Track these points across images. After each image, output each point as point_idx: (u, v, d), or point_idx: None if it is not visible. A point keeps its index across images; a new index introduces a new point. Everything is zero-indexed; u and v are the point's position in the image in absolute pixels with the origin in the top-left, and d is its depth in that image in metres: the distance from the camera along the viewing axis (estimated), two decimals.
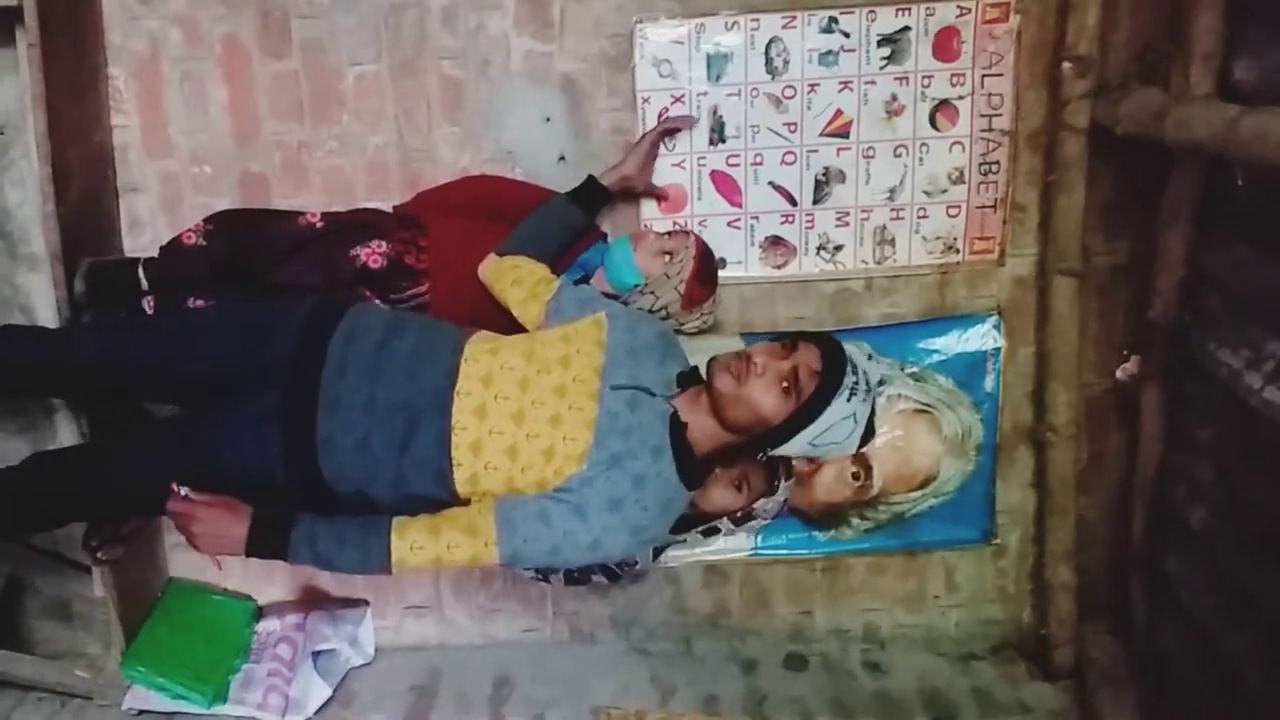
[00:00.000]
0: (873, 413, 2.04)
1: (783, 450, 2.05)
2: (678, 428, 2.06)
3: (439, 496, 2.04)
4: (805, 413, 1.95)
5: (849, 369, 1.97)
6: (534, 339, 2.20)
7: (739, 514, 2.39)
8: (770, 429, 1.99)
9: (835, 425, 1.97)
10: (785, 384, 1.95)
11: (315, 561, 2.01)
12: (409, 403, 2.04)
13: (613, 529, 1.96)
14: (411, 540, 1.98)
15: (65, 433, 2.81)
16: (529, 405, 2.02)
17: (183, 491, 1.98)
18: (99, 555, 2.63)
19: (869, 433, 2.05)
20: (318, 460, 2.03)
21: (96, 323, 2.63)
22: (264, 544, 2.00)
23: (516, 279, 2.38)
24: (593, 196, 2.62)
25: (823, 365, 1.96)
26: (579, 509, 1.95)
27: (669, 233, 2.62)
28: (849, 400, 1.95)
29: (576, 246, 2.63)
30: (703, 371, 2.09)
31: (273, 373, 2.10)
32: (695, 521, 2.45)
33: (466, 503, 2.05)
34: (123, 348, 2.27)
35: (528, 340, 2.19)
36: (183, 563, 3.08)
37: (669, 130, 2.75)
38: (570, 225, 2.56)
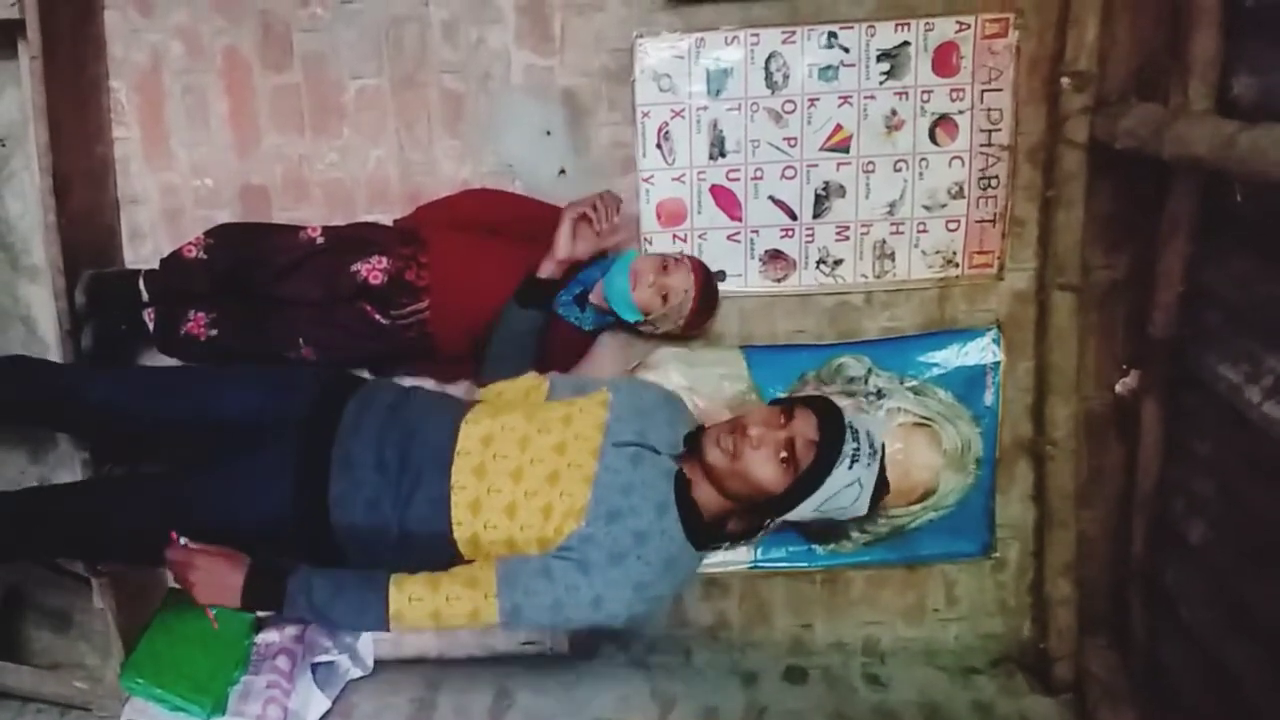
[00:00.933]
0: (882, 470, 1.97)
1: (789, 517, 1.98)
2: (683, 486, 2.01)
3: (443, 558, 2.02)
4: (805, 484, 1.89)
5: (848, 436, 1.90)
6: (537, 404, 2.19)
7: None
8: (770, 500, 1.94)
9: (840, 493, 1.90)
10: (783, 455, 1.90)
11: (311, 612, 1.97)
12: (413, 463, 2.03)
13: (615, 584, 1.90)
14: (410, 592, 1.94)
15: (65, 448, 2.81)
16: (527, 463, 2.00)
17: (182, 541, 1.97)
18: (98, 567, 2.63)
19: (881, 491, 1.98)
20: (329, 515, 2.02)
21: (112, 371, 2.64)
22: (260, 594, 1.96)
23: (508, 401, 2.33)
24: (540, 291, 2.46)
25: (820, 434, 1.90)
26: (581, 564, 1.90)
27: (667, 264, 2.61)
28: (850, 468, 1.88)
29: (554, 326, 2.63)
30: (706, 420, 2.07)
31: (289, 427, 2.11)
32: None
33: (464, 558, 2.03)
34: (137, 395, 2.29)
35: (531, 405, 2.18)
36: None
37: (582, 215, 2.48)
38: (532, 329, 2.45)
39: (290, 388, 2.21)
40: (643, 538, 1.92)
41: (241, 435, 2.14)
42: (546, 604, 1.92)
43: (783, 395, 2.80)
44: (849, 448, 1.89)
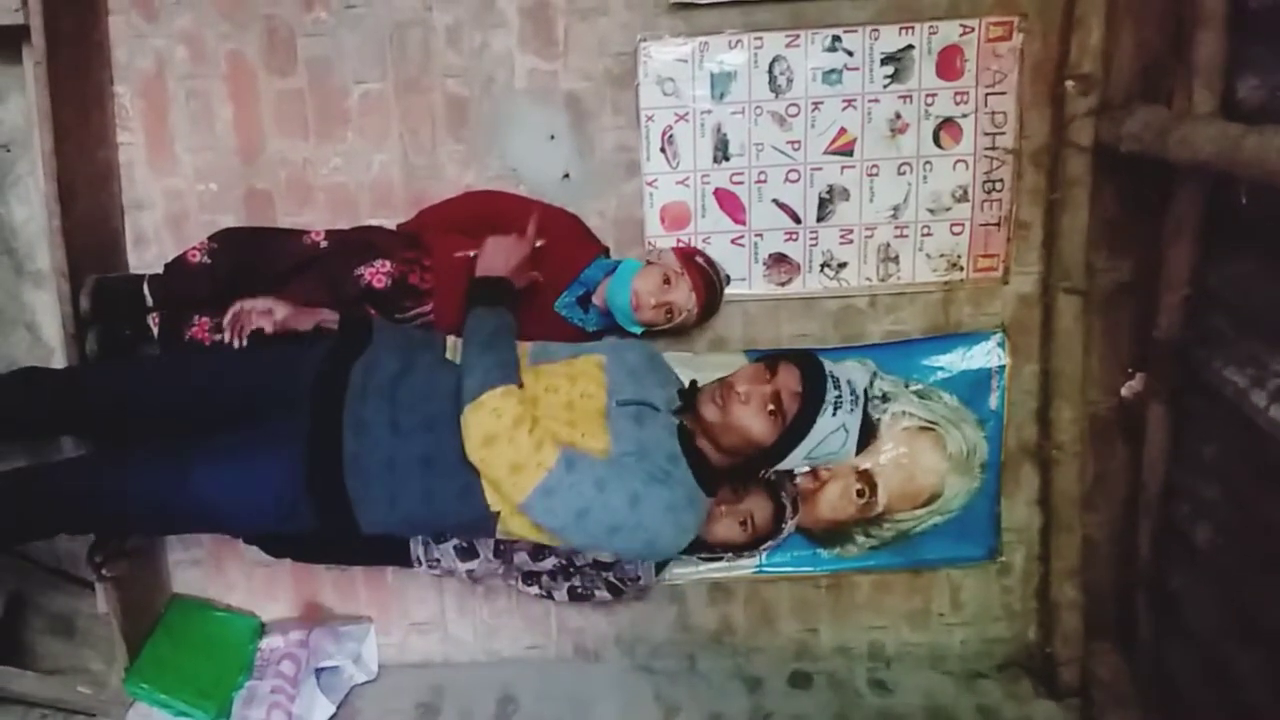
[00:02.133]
0: (866, 417, 2.06)
1: (781, 466, 2.08)
2: (687, 436, 2.08)
3: (468, 514, 2.03)
4: (793, 433, 1.99)
5: (829, 385, 1.99)
6: (537, 367, 2.19)
7: (744, 550, 2.40)
8: (763, 450, 2.03)
9: (826, 439, 1.99)
10: (770, 408, 1.99)
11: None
12: (428, 421, 2.03)
13: (653, 497, 1.92)
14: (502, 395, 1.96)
15: (68, 447, 2.81)
16: (541, 417, 2.01)
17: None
18: (103, 571, 2.63)
19: (866, 436, 2.08)
20: (344, 481, 2.01)
21: (112, 365, 2.63)
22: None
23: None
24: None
25: (803, 385, 2.00)
26: (632, 496, 1.92)
27: (669, 278, 2.60)
28: (835, 414, 1.98)
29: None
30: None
31: (295, 397, 2.10)
32: (698, 548, 2.46)
33: (496, 515, 2.02)
34: (141, 380, 2.30)
35: (531, 368, 2.18)
36: (186, 579, 3.09)
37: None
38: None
39: (293, 359, 2.21)
40: (667, 475, 1.97)
41: (247, 410, 2.14)
42: (579, 505, 1.91)
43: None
44: (831, 395, 1.98)
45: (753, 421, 1.99)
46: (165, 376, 2.31)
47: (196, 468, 2.06)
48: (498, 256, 2.31)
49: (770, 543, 2.42)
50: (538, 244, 2.43)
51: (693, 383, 2.22)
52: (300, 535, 2.19)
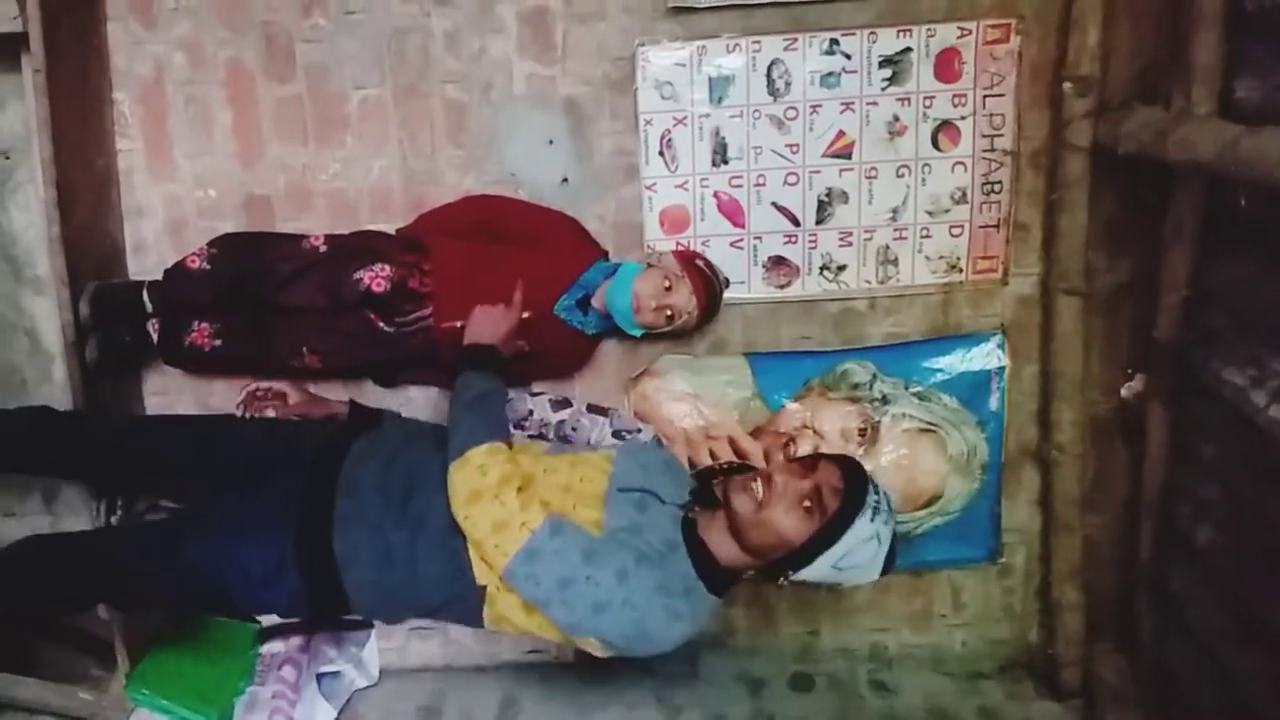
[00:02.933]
0: (895, 537, 1.97)
1: (805, 574, 1.93)
2: (690, 529, 2.00)
3: (456, 571, 1.97)
4: (829, 532, 1.87)
5: (871, 487, 1.91)
6: (538, 458, 2.13)
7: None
8: (792, 550, 1.90)
9: (858, 547, 1.88)
10: (808, 503, 1.88)
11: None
12: (420, 507, 2.01)
13: (643, 575, 1.85)
14: (486, 456, 1.93)
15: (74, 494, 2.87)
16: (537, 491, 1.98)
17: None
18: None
19: (891, 558, 1.98)
20: (332, 539, 2.00)
21: (124, 417, 2.70)
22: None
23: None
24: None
25: (844, 483, 1.90)
26: (620, 571, 1.84)
27: (669, 281, 2.61)
28: (872, 520, 1.88)
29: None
30: (717, 493, 2.01)
31: (293, 470, 2.11)
32: None
33: (483, 591, 1.97)
34: (149, 438, 2.34)
35: (533, 453, 2.16)
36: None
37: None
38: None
39: (299, 432, 2.25)
40: (662, 559, 1.89)
41: (246, 477, 2.14)
42: (560, 576, 1.84)
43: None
44: (872, 499, 1.89)
45: (787, 516, 1.87)
46: (169, 430, 2.34)
47: (190, 529, 2.08)
48: (485, 325, 2.29)
49: None
50: (524, 315, 2.40)
51: (706, 487, 2.11)
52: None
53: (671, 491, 2.06)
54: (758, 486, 1.92)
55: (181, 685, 2.82)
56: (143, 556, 2.10)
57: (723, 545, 1.97)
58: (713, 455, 2.72)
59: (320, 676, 2.93)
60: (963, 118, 2.81)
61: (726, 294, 2.81)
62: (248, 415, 2.48)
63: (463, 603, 1.99)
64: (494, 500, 1.88)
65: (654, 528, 1.94)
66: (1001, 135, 2.82)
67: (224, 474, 2.18)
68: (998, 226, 2.88)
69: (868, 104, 2.80)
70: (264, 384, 2.52)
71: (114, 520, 2.68)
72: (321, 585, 2.01)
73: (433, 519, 1.98)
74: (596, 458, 2.12)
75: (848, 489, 1.89)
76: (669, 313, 2.61)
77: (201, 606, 2.26)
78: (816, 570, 1.91)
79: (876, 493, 1.91)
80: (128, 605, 2.60)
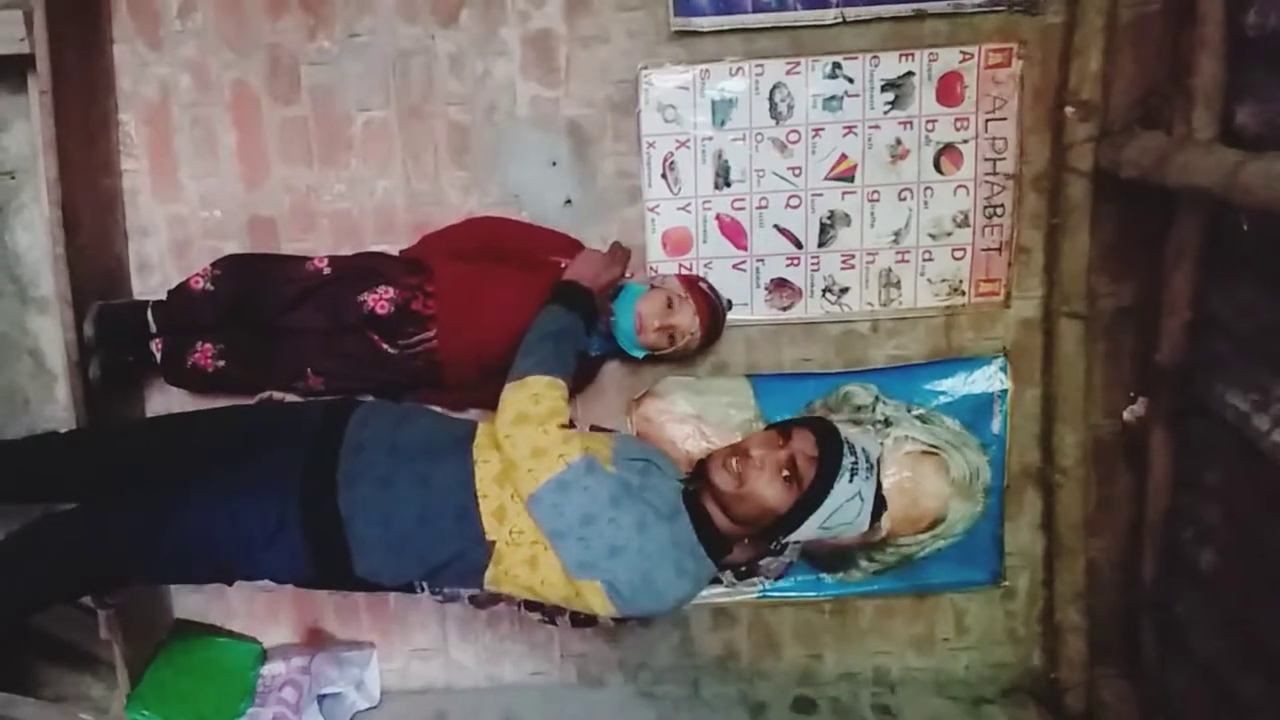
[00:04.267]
0: (879, 487, 2.01)
1: (795, 537, 2.00)
2: (694, 502, 2.03)
3: (465, 533, 1.98)
4: (810, 499, 1.93)
5: (846, 449, 1.95)
6: None
7: (742, 568, 2.38)
8: (777, 518, 1.96)
9: (842, 507, 1.94)
10: (786, 473, 1.94)
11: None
12: (431, 448, 2.04)
13: (661, 529, 1.92)
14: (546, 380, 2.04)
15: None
16: None
17: None
18: (105, 599, 2.63)
19: (879, 507, 2.02)
20: (336, 494, 2.00)
21: (122, 433, 2.63)
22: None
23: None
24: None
25: (819, 450, 1.95)
26: (640, 521, 1.92)
27: (671, 302, 2.62)
28: (851, 480, 1.93)
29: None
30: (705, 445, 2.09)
31: (291, 446, 2.10)
32: None
33: (491, 546, 1.99)
34: (143, 441, 2.32)
35: None
36: (188, 605, 3.08)
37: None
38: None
39: (291, 417, 2.22)
40: (673, 514, 1.96)
41: (244, 450, 2.13)
42: (583, 513, 1.91)
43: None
44: (848, 461, 1.94)
45: (768, 488, 1.93)
46: (171, 432, 2.32)
47: (189, 496, 2.06)
48: (588, 267, 2.40)
49: (771, 561, 2.40)
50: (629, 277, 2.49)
51: (700, 463, 2.15)
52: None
53: (671, 469, 2.14)
54: (734, 463, 1.97)
55: (182, 706, 2.81)
56: (142, 524, 2.08)
57: (717, 517, 2.03)
58: None
59: (321, 698, 2.93)
60: (965, 141, 2.82)
61: (729, 316, 2.81)
62: None
63: (467, 560, 2.01)
64: (538, 427, 1.96)
65: (658, 491, 2.00)
66: (1004, 159, 2.83)
67: (223, 452, 2.16)
68: (1000, 250, 2.88)
69: (870, 127, 2.81)
70: (278, 394, 2.54)
71: None
72: (324, 543, 2.01)
73: (441, 476, 2.00)
74: (600, 435, 2.19)
75: (823, 455, 1.94)
76: (672, 333, 2.61)
77: (199, 576, 2.24)
78: (805, 532, 1.98)
79: (852, 453, 1.95)
80: (126, 578, 2.54)
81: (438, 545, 2.01)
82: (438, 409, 2.36)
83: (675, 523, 1.96)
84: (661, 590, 1.95)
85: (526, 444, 1.95)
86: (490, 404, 2.13)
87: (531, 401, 1.99)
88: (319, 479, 2.02)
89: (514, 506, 1.96)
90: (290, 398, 2.65)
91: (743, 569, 2.30)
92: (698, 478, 2.10)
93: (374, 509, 2.00)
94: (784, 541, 2.03)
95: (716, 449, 2.08)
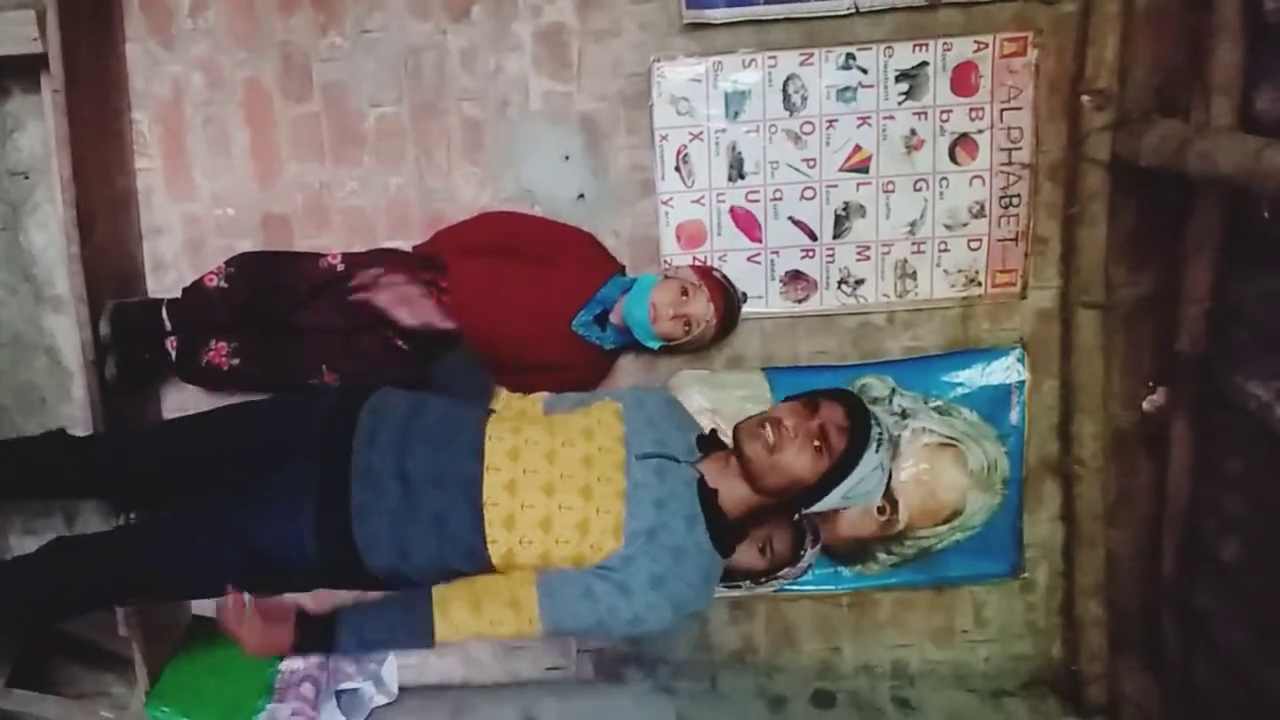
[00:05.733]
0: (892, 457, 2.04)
1: (817, 507, 2.01)
2: (706, 493, 2.03)
3: (474, 568, 2.00)
4: (840, 469, 1.93)
5: (873, 419, 1.96)
6: (552, 417, 2.19)
7: (761, 577, 2.37)
8: (805, 489, 1.96)
9: (866, 476, 1.95)
10: (817, 443, 1.93)
11: (360, 649, 2.05)
12: (439, 477, 2.01)
13: (656, 606, 1.93)
14: (454, 619, 1.96)
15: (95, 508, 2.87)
16: (558, 478, 2.00)
17: (245, 598, 1.95)
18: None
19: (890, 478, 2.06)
20: (351, 530, 2.00)
21: (134, 433, 2.67)
22: (310, 642, 1.99)
23: (519, 411, 2.30)
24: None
25: (849, 420, 1.95)
26: (623, 586, 1.92)
27: (686, 290, 2.62)
28: (877, 451, 1.94)
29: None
30: (723, 437, 2.08)
31: (305, 446, 2.10)
32: None
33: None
34: (153, 448, 2.31)
35: (546, 418, 2.19)
36: (206, 603, 3.08)
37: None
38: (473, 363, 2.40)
39: (300, 407, 2.21)
40: (680, 554, 1.94)
41: (258, 463, 2.13)
42: (589, 624, 1.95)
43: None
44: (875, 431, 1.95)
45: (799, 458, 1.93)
46: (183, 437, 2.31)
47: (209, 513, 2.08)
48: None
49: (789, 570, 2.39)
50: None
51: (712, 431, 2.21)
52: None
53: (682, 443, 2.11)
54: (768, 431, 1.96)
55: (201, 702, 2.82)
56: (166, 538, 2.11)
57: (735, 491, 2.03)
58: None
59: (339, 694, 2.93)
60: (980, 131, 2.80)
61: (744, 309, 2.81)
62: None
63: (468, 570, 2.02)
64: (490, 626, 1.97)
65: (673, 501, 1.98)
66: (1019, 148, 2.81)
67: (240, 460, 2.16)
68: (1016, 240, 2.86)
69: (884, 118, 2.80)
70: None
71: None
72: (336, 542, 2.01)
73: (453, 518, 1.99)
74: (607, 416, 2.14)
75: (853, 425, 1.94)
76: (686, 323, 2.60)
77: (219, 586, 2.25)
78: (827, 503, 1.99)
79: (878, 424, 1.97)
80: (153, 593, 2.56)
81: (444, 550, 2.01)
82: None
83: (683, 558, 1.95)
84: (672, 629, 2.03)
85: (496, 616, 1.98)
86: None
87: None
88: (333, 481, 2.03)
89: (524, 516, 1.97)
90: None
91: (761, 579, 2.30)
92: (714, 446, 2.12)
93: (384, 514, 2.00)
94: (806, 512, 2.05)
95: (744, 419, 2.06)
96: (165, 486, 2.37)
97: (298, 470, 2.07)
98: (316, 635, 1.98)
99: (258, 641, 1.95)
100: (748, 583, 2.34)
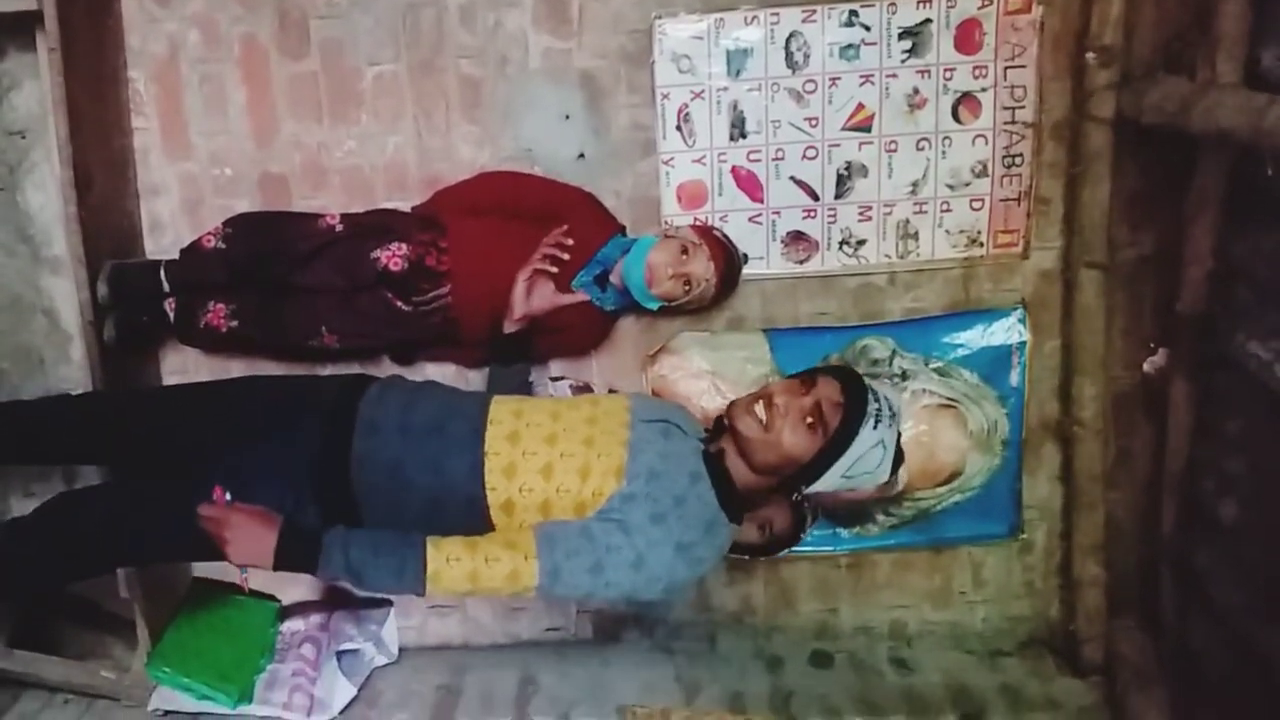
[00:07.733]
0: (899, 437, 2.01)
1: (817, 487, 2.00)
2: (713, 459, 2.04)
3: (472, 525, 2.00)
4: (834, 446, 1.93)
5: (870, 396, 1.95)
6: (556, 400, 2.21)
7: (760, 554, 2.38)
8: (801, 467, 1.96)
9: (865, 455, 1.94)
10: (810, 420, 1.93)
11: (347, 571, 1.89)
12: (440, 428, 2.03)
13: (657, 543, 1.90)
14: (448, 553, 1.89)
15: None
16: (560, 430, 2.01)
17: (228, 497, 1.93)
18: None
19: (899, 458, 2.03)
20: (350, 480, 2.01)
21: (133, 396, 2.65)
22: (294, 553, 1.89)
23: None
24: (513, 346, 2.55)
25: (845, 396, 1.94)
26: (622, 524, 1.90)
27: (686, 248, 2.60)
28: (875, 428, 1.93)
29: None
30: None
31: (311, 411, 2.11)
32: None
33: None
34: (164, 414, 2.30)
35: (551, 399, 2.21)
36: (207, 564, 3.09)
37: (534, 272, 2.52)
38: (523, 381, 2.54)
39: (311, 386, 2.23)
40: (681, 500, 1.94)
41: (264, 426, 2.13)
42: (587, 565, 1.90)
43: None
44: (872, 407, 1.93)
45: (792, 435, 1.93)
46: (188, 406, 2.30)
47: (209, 476, 2.06)
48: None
49: (788, 548, 2.40)
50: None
51: (718, 419, 2.18)
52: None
53: (690, 426, 2.13)
54: (760, 408, 1.97)
55: (202, 663, 2.82)
56: (165, 504, 2.10)
57: (737, 468, 2.03)
58: None
59: (340, 654, 2.94)
60: (983, 90, 2.78)
61: (745, 270, 2.80)
62: None
63: (466, 528, 2.00)
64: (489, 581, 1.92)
65: (676, 457, 1.99)
66: (1023, 107, 2.79)
67: (239, 429, 2.16)
68: (1019, 200, 2.85)
69: (887, 76, 2.78)
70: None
71: None
72: (340, 513, 2.02)
73: (453, 465, 2.00)
74: (614, 403, 2.16)
75: (848, 401, 1.94)
76: (686, 281, 2.59)
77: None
78: (827, 482, 1.98)
79: (877, 400, 1.95)
80: (145, 555, 2.56)
81: (442, 500, 2.02)
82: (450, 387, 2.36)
83: (684, 506, 1.93)
84: (690, 580, 2.03)
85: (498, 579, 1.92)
86: None
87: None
88: (332, 461, 2.03)
89: (525, 464, 1.98)
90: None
91: (759, 555, 2.30)
92: (719, 432, 2.10)
93: (382, 465, 2.02)
94: (805, 492, 2.03)
95: (739, 397, 2.07)
96: (156, 451, 2.37)
97: (298, 434, 2.07)
98: (301, 550, 1.89)
99: (239, 545, 1.88)
100: (746, 557, 2.35)
